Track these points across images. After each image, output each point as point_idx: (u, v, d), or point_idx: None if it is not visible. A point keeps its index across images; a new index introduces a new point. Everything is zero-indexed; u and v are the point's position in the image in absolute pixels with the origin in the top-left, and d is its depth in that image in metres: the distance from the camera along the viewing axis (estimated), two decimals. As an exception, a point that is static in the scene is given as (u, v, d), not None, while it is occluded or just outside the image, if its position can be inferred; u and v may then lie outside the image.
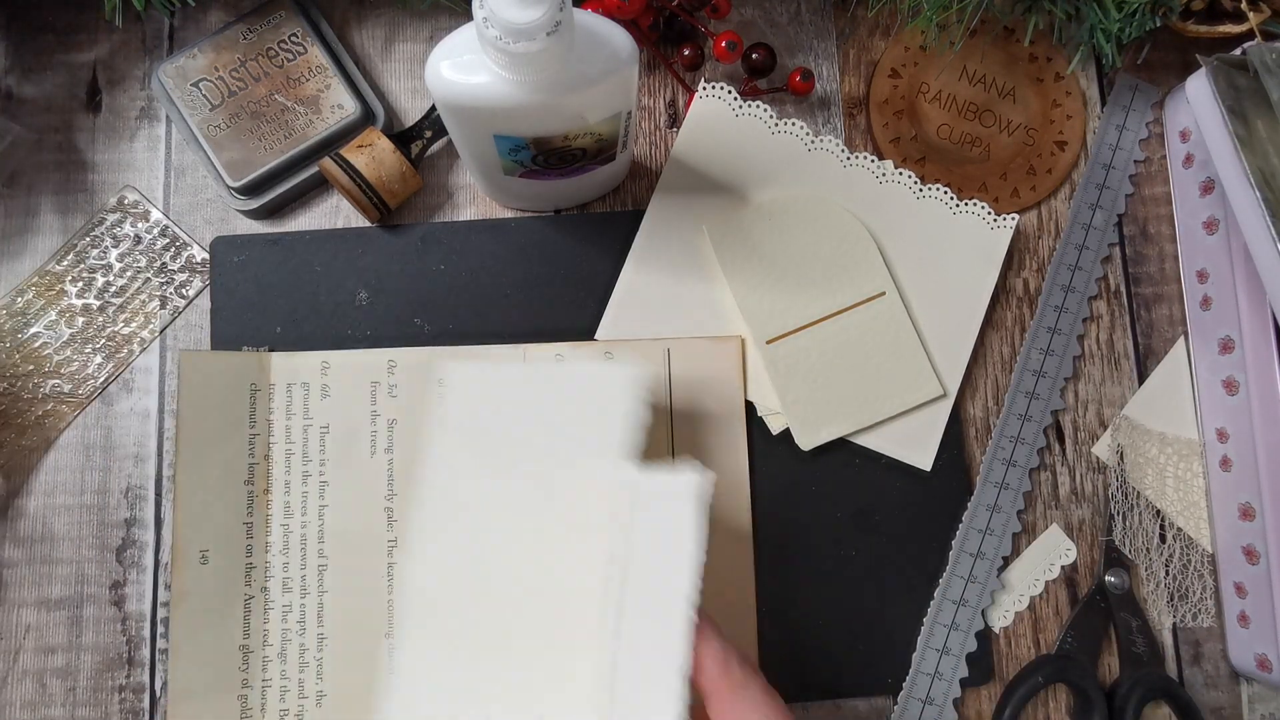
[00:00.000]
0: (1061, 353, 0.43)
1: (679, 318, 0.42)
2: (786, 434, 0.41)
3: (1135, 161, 0.45)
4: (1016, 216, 0.43)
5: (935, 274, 0.42)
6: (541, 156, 0.35)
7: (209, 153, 0.41)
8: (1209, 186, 0.42)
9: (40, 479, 0.41)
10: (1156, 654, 0.41)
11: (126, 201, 0.43)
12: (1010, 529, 0.41)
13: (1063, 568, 0.42)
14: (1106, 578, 0.41)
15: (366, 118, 0.42)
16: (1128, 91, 0.45)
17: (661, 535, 0.31)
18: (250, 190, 0.42)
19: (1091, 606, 0.41)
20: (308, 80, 0.41)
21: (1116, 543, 0.41)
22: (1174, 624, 0.41)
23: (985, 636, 0.41)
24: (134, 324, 0.42)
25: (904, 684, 0.40)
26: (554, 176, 0.38)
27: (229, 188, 0.41)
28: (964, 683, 0.40)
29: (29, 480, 0.41)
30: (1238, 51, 0.38)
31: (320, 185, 0.43)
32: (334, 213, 0.43)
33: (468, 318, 0.42)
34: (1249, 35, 0.41)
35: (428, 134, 0.42)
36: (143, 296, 0.42)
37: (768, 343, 0.41)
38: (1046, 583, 0.41)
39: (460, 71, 0.30)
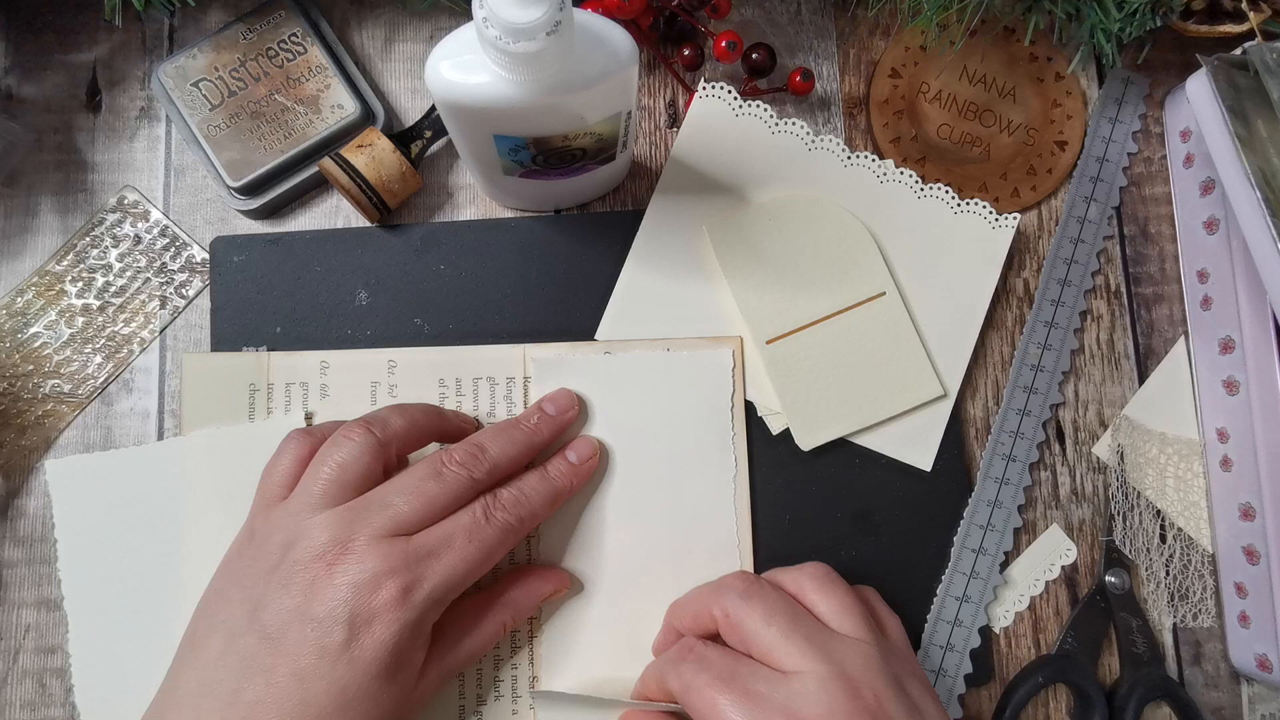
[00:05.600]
0: (1059, 347, 0.43)
1: (679, 318, 0.42)
2: (786, 434, 0.41)
3: (1129, 155, 0.45)
4: (1017, 216, 0.43)
5: (935, 274, 0.42)
6: (541, 156, 0.35)
7: (209, 153, 0.41)
8: (1209, 186, 0.42)
9: (40, 479, 0.41)
10: (1157, 654, 0.41)
11: (126, 201, 0.43)
12: (1011, 524, 0.41)
13: (1063, 568, 0.42)
14: (1107, 578, 0.41)
15: (366, 118, 0.42)
16: (1119, 85, 0.45)
17: None
18: (250, 190, 0.42)
19: (1092, 607, 0.41)
20: (308, 80, 0.41)
21: (1117, 543, 0.41)
22: (1174, 624, 0.41)
23: (986, 636, 0.41)
24: (134, 324, 0.42)
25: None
26: (554, 176, 0.38)
27: (229, 188, 0.41)
28: (967, 679, 0.40)
29: (29, 480, 0.41)
30: (1238, 51, 0.38)
31: (320, 185, 0.43)
32: (334, 213, 0.43)
33: (468, 318, 0.42)
34: (1249, 35, 0.41)
35: (428, 134, 0.42)
36: (143, 296, 0.42)
37: (768, 343, 0.41)
38: (1047, 583, 0.41)
39: (460, 71, 0.30)
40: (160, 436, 0.41)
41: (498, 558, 0.34)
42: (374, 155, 0.40)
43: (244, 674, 0.30)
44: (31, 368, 0.41)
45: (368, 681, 0.31)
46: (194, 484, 0.39)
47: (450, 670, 0.35)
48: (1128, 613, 0.41)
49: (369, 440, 0.34)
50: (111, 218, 0.43)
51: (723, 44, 0.41)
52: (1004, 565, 0.41)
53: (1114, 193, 0.44)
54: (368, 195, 0.40)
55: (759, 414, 0.41)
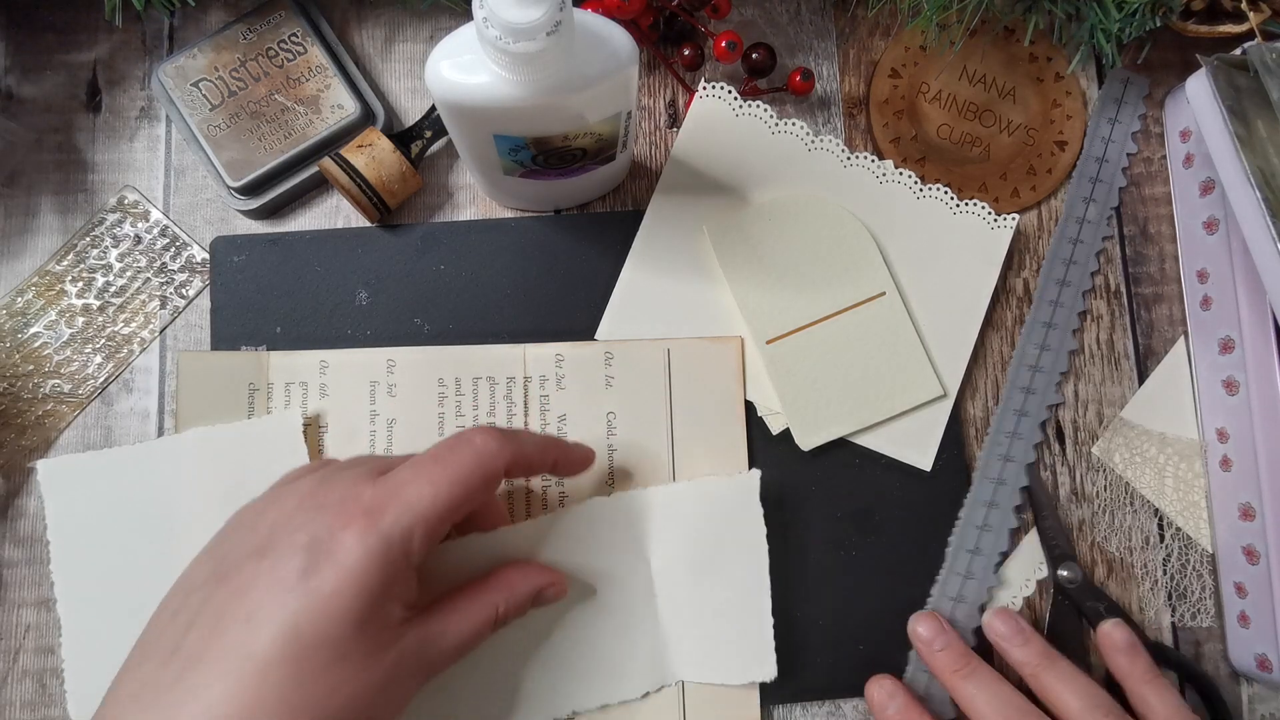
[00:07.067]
0: (1057, 348, 0.43)
1: (679, 318, 0.42)
2: (786, 434, 0.41)
3: (1129, 155, 0.45)
4: (1017, 216, 0.43)
5: (935, 274, 0.42)
6: (541, 156, 0.35)
7: (209, 153, 0.41)
8: (1209, 186, 0.42)
9: (40, 479, 0.41)
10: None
11: (126, 201, 0.43)
12: (1007, 525, 0.41)
13: (1062, 568, 0.41)
14: (1059, 572, 0.41)
15: (366, 118, 0.42)
16: (1119, 85, 0.45)
17: None
18: (250, 190, 0.42)
19: (1059, 608, 0.41)
20: (308, 80, 0.41)
21: (1052, 536, 0.41)
22: (1173, 624, 0.41)
23: (982, 636, 0.40)
24: (134, 324, 0.42)
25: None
26: (554, 176, 0.38)
27: (229, 188, 0.41)
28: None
29: (29, 480, 0.41)
30: (1238, 51, 0.38)
31: (320, 185, 0.43)
32: (334, 213, 0.43)
33: (468, 318, 0.42)
34: (1249, 35, 0.41)
35: (428, 134, 0.42)
36: (143, 296, 0.42)
37: (768, 343, 0.41)
38: (1038, 582, 0.41)
39: (460, 71, 0.30)
40: (160, 436, 0.41)
41: (477, 493, 0.30)
42: (374, 155, 0.40)
43: (189, 627, 0.27)
44: (31, 368, 0.41)
45: (327, 624, 0.26)
46: (190, 483, 0.39)
47: (432, 644, 0.30)
48: (1093, 600, 0.40)
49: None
50: (111, 218, 0.43)
51: (723, 44, 0.41)
52: (1001, 565, 0.41)
53: (1113, 193, 0.44)
54: (368, 195, 0.40)
55: (759, 414, 0.41)
